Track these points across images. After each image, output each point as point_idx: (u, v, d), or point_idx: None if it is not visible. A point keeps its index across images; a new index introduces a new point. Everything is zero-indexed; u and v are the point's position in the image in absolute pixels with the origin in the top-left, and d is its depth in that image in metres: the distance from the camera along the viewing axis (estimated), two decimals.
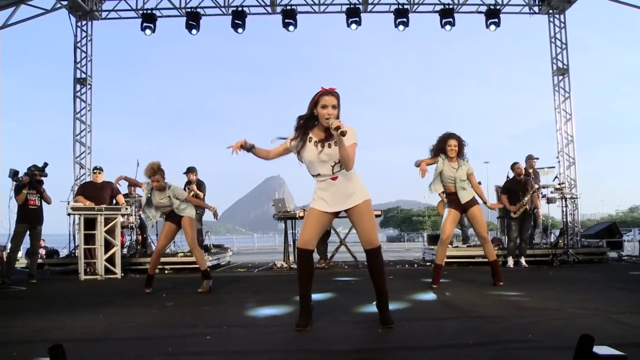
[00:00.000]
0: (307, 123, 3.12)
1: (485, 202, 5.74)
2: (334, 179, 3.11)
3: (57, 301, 4.92)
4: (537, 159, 8.84)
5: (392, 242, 44.12)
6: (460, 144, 5.29)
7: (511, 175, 8.04)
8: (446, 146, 5.24)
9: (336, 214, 3.28)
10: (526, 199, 7.62)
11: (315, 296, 4.65)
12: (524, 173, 7.90)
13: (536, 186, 7.88)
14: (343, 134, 2.81)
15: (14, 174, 6.97)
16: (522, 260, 7.74)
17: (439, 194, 7.90)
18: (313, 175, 3.20)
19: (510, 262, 7.68)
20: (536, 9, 10.61)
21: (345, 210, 3.19)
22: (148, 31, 10.15)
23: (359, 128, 3.10)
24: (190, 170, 8.66)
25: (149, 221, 5.45)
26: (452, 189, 5.28)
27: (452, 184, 5.27)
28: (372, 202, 3.23)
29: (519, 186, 7.74)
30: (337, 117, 3.02)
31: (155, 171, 5.22)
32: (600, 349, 1.76)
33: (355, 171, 3.16)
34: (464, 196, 5.27)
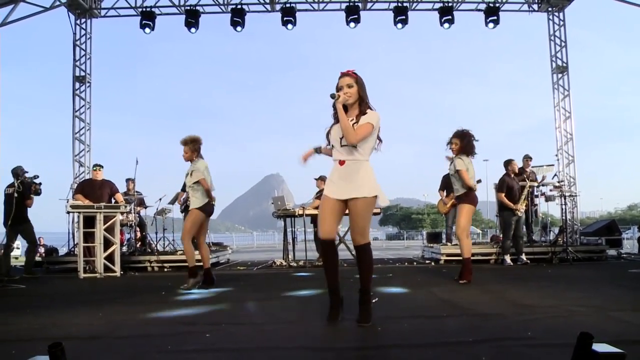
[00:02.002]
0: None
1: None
2: (341, 163, 3.14)
3: (56, 299, 4.92)
4: (531, 159, 8.89)
5: (392, 240, 44.19)
6: (462, 142, 5.52)
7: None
8: (450, 143, 5.60)
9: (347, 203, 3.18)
10: (524, 194, 7.74)
11: (314, 293, 4.66)
12: (517, 172, 8.08)
13: (528, 183, 7.98)
14: (332, 96, 3.06)
15: (20, 173, 7.17)
16: (523, 256, 7.77)
17: (439, 192, 7.97)
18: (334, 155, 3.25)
19: (508, 260, 7.69)
20: (535, 6, 10.60)
21: (347, 200, 3.12)
22: (147, 29, 10.14)
23: None
24: None
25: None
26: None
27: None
28: (382, 198, 3.15)
29: (515, 183, 7.89)
30: (359, 96, 3.15)
31: (185, 142, 5.24)
32: (599, 347, 1.76)
33: (369, 166, 3.16)
34: (456, 191, 5.59)
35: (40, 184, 7.30)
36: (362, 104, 3.16)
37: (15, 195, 7.09)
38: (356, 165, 3.11)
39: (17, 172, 7.19)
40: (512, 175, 7.93)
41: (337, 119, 3.17)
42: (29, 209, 7.42)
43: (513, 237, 7.80)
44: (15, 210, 7.05)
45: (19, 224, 7.20)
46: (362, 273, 3.16)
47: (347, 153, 3.12)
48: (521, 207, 7.68)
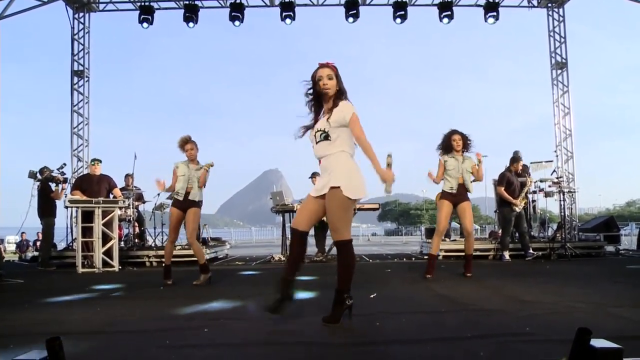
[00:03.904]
0: (317, 103, 3.15)
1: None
2: (320, 161, 3.11)
3: (54, 294, 4.90)
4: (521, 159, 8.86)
5: (390, 235, 44.26)
6: (464, 138, 5.60)
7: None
8: (451, 141, 5.56)
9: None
10: (525, 191, 7.76)
11: (315, 289, 4.65)
12: (520, 172, 8.13)
13: (528, 180, 8.00)
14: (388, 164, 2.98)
15: (39, 172, 7.89)
16: (530, 250, 7.82)
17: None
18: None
19: (507, 256, 7.71)
20: (535, 2, 10.58)
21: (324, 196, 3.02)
22: (145, 24, 10.10)
23: None
24: None
25: (178, 195, 5.42)
26: (461, 181, 5.52)
27: (459, 175, 5.51)
28: (348, 189, 2.91)
29: (515, 180, 7.92)
30: (338, 88, 3.05)
31: (188, 139, 5.45)
32: (597, 342, 1.75)
33: (347, 158, 3.01)
34: (470, 187, 5.58)
35: (61, 174, 8.01)
36: (341, 96, 3.07)
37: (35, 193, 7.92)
38: (330, 160, 3.01)
39: (35, 176, 7.94)
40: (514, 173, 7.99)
41: (315, 116, 3.14)
42: (57, 201, 8.01)
43: (518, 234, 7.84)
44: (37, 205, 7.89)
45: (39, 217, 7.94)
46: (338, 271, 3.04)
47: (323, 149, 3.04)
48: (519, 203, 7.71)
